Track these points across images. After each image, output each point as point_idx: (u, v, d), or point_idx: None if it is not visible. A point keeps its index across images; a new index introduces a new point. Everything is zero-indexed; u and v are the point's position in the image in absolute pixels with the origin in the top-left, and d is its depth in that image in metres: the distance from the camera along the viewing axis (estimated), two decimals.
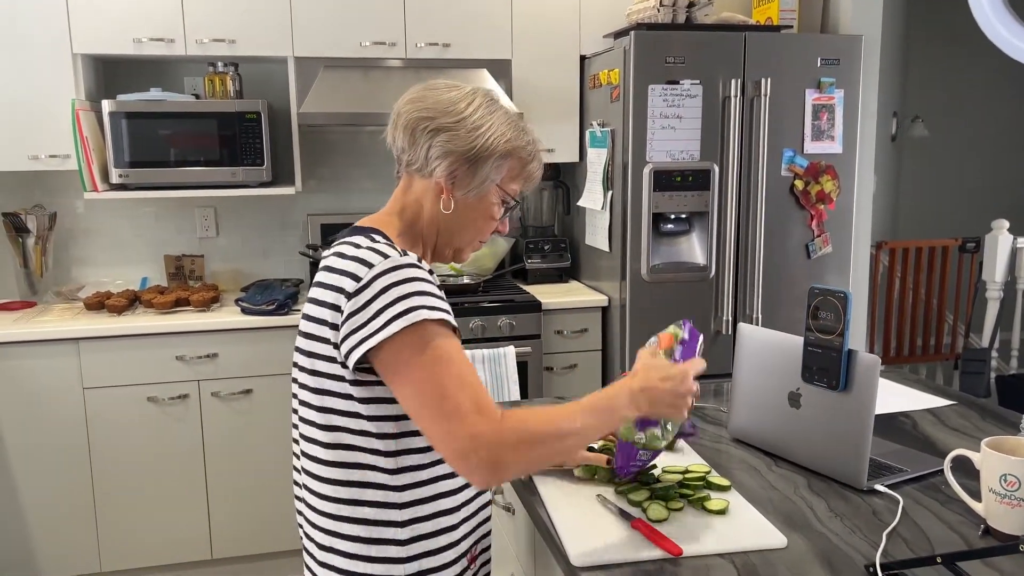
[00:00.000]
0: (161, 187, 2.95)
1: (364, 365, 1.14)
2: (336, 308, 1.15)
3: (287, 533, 3.00)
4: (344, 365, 1.14)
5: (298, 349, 1.23)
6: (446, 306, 1.16)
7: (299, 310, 2.94)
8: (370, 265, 1.13)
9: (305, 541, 1.28)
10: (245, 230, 3.42)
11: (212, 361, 2.84)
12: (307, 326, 1.20)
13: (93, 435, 2.79)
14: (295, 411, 1.25)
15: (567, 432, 1.12)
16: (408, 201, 1.28)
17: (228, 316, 2.87)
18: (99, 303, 2.93)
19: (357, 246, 1.19)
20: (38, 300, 3.15)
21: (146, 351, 2.78)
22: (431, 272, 1.19)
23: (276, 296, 2.92)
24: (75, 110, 2.81)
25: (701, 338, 1.36)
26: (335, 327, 1.14)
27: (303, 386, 1.21)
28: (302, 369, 1.21)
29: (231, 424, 2.89)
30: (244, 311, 2.89)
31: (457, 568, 1.25)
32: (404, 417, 1.17)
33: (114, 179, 2.89)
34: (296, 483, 1.29)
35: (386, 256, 1.14)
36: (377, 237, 1.21)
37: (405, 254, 1.16)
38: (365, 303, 1.12)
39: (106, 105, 2.85)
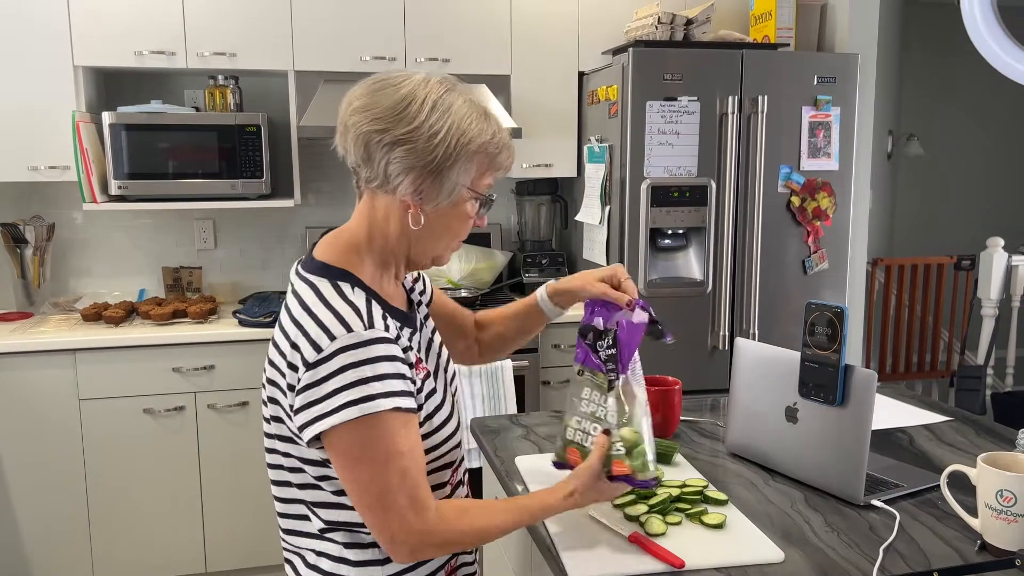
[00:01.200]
0: (160, 199, 2.96)
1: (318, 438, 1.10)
2: (293, 368, 1.09)
3: (281, 548, 2.99)
4: (300, 432, 1.10)
5: (264, 371, 1.19)
6: (404, 385, 1.09)
7: None
8: (332, 336, 1.06)
9: (288, 541, 1.26)
10: (243, 242, 3.43)
11: (209, 373, 2.84)
12: (272, 354, 1.15)
13: (88, 446, 2.78)
14: (265, 431, 1.22)
15: (491, 532, 1.15)
16: (376, 219, 1.17)
17: (225, 328, 2.87)
18: (96, 314, 2.92)
19: (323, 299, 1.11)
20: (35, 311, 3.14)
21: (143, 363, 2.78)
22: (397, 338, 1.12)
23: (274, 308, 2.92)
24: (75, 121, 2.82)
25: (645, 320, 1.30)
26: (292, 387, 1.10)
27: (265, 407, 1.19)
28: (264, 388, 1.18)
29: (227, 436, 2.88)
30: (241, 323, 2.89)
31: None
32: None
33: (113, 191, 2.89)
34: (277, 508, 1.27)
35: (350, 329, 1.07)
36: (344, 286, 1.13)
37: (371, 324, 1.09)
38: (321, 379, 1.06)
39: (106, 117, 2.86)
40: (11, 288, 3.19)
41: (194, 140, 2.94)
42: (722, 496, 1.39)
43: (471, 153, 1.13)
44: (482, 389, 2.73)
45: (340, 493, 1.15)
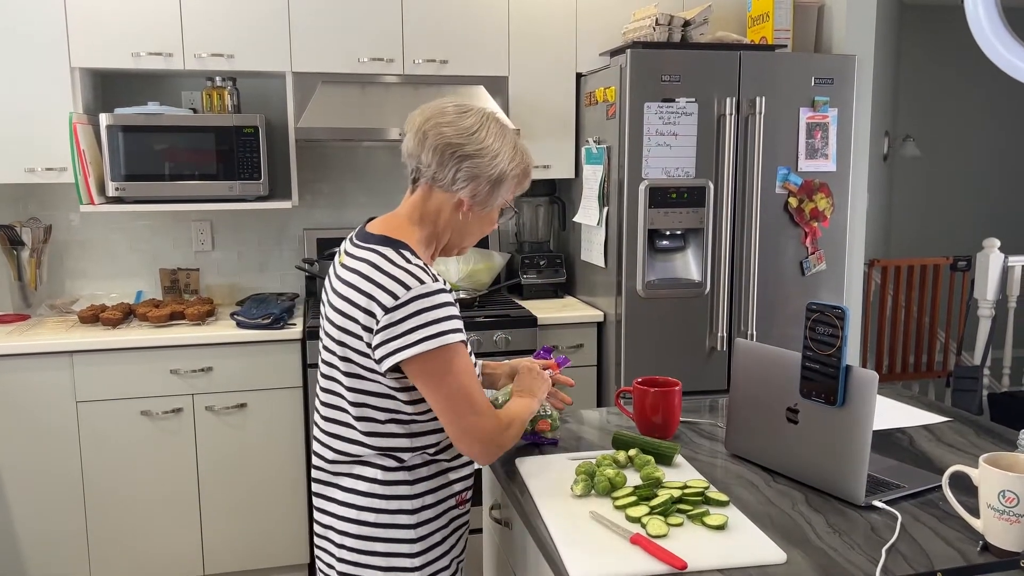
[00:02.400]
0: (157, 201, 2.95)
1: (396, 370, 1.39)
2: (370, 314, 1.37)
3: (280, 548, 2.98)
4: (378, 364, 1.38)
5: (327, 334, 1.44)
6: (462, 325, 1.41)
7: (294, 324, 2.94)
8: (407, 287, 1.36)
9: (325, 502, 1.50)
10: (241, 244, 3.42)
11: (207, 375, 2.83)
12: (337, 318, 1.42)
13: (86, 448, 2.77)
14: (322, 387, 1.49)
15: (523, 417, 1.51)
16: (427, 210, 1.48)
17: (223, 330, 2.86)
18: (93, 316, 2.92)
19: (391, 261, 1.39)
20: (32, 313, 3.13)
21: (140, 364, 2.77)
22: (450, 291, 1.41)
23: (272, 310, 2.92)
24: (72, 123, 2.82)
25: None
26: (368, 329, 1.37)
27: (332, 366, 1.45)
28: (332, 352, 1.44)
29: (225, 438, 2.88)
30: (239, 325, 2.89)
31: (448, 504, 1.52)
32: (420, 401, 1.44)
33: (110, 192, 2.89)
34: (327, 455, 1.50)
35: (422, 281, 1.36)
36: (407, 253, 1.41)
37: (436, 278, 1.39)
38: (400, 319, 1.35)
39: (103, 119, 2.85)
40: (8, 290, 3.18)
41: (191, 142, 2.93)
42: (723, 497, 1.39)
43: (515, 175, 1.48)
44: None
45: (390, 422, 1.44)
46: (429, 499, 1.48)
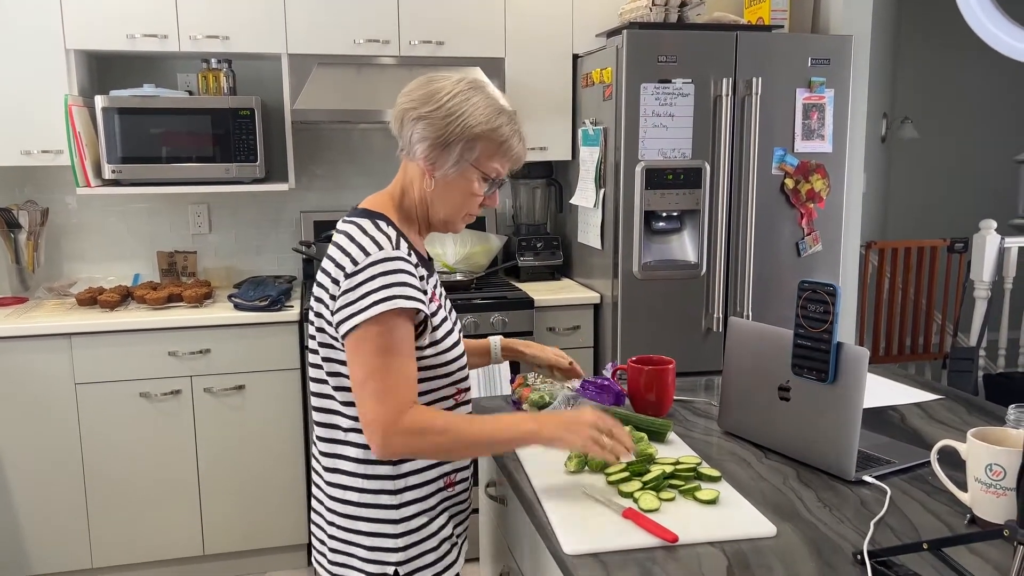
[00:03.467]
0: (154, 183, 2.95)
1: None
2: (336, 282, 1.34)
3: (280, 528, 3.01)
4: (337, 329, 1.34)
5: (311, 323, 1.42)
6: (421, 296, 1.34)
7: (292, 306, 2.95)
8: (367, 253, 1.33)
9: (318, 477, 1.49)
10: (238, 226, 3.42)
11: (205, 357, 2.84)
12: (316, 291, 1.40)
13: (85, 430, 2.79)
14: (312, 376, 1.46)
15: (484, 437, 1.34)
16: (405, 182, 1.46)
17: (221, 312, 2.87)
18: (91, 299, 2.92)
19: (363, 231, 1.37)
20: (30, 296, 3.14)
21: (138, 347, 2.79)
22: (417, 265, 1.38)
23: (269, 292, 2.92)
24: (68, 106, 2.81)
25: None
26: (333, 298, 1.34)
27: (315, 353, 1.42)
28: (313, 339, 1.41)
29: (223, 420, 2.89)
30: (237, 307, 2.89)
31: (435, 487, 1.46)
32: None
33: (107, 175, 2.89)
34: (316, 431, 1.48)
35: (380, 247, 1.33)
36: (382, 223, 1.39)
37: (398, 246, 1.35)
38: (356, 285, 1.31)
39: (99, 101, 2.85)
40: (5, 273, 3.19)
41: (188, 124, 2.93)
42: (715, 473, 1.41)
43: (475, 135, 1.39)
44: (477, 371, 2.74)
45: None
46: (413, 479, 1.42)
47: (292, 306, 2.95)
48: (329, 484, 1.45)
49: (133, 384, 2.80)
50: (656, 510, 1.29)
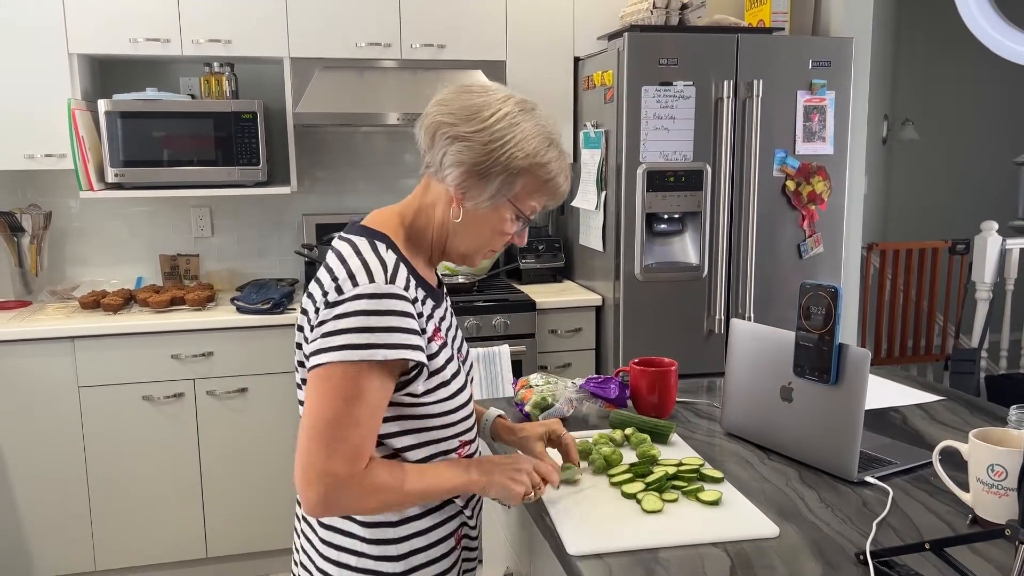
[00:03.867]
0: (156, 187, 2.96)
1: None
2: (318, 311, 1.17)
3: (282, 531, 3.01)
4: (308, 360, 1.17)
5: (297, 344, 1.26)
6: (413, 340, 1.15)
7: (294, 309, 2.96)
8: (355, 284, 1.14)
9: (302, 525, 1.30)
10: (240, 230, 3.43)
11: (207, 360, 2.85)
12: (301, 318, 1.24)
13: (88, 433, 2.80)
14: (300, 400, 1.28)
15: (419, 490, 1.18)
16: (424, 203, 1.26)
17: (223, 315, 2.88)
18: (94, 302, 2.93)
19: (357, 251, 1.18)
20: (33, 299, 3.15)
21: (141, 350, 2.79)
22: (415, 301, 1.18)
23: (271, 295, 2.93)
24: (71, 109, 2.82)
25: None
26: (313, 327, 1.17)
27: (298, 372, 1.26)
28: (300, 350, 1.24)
29: (226, 423, 2.90)
30: (239, 310, 2.90)
31: (445, 547, 1.28)
32: (389, 418, 1.20)
33: (110, 178, 2.90)
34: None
35: (372, 280, 1.14)
36: (380, 245, 1.20)
37: (393, 280, 1.15)
38: (334, 317, 1.13)
39: (102, 105, 2.86)
40: (9, 277, 3.20)
41: (190, 127, 2.94)
42: (718, 474, 1.41)
43: (518, 169, 1.20)
44: (480, 373, 2.75)
45: (392, 418, 1.21)
46: (419, 542, 1.24)
47: (294, 309, 2.96)
48: (323, 542, 1.25)
49: (136, 387, 2.81)
50: (659, 511, 1.29)
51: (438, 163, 1.21)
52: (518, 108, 1.21)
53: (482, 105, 1.20)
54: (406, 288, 1.16)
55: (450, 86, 1.26)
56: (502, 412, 1.50)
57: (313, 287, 1.21)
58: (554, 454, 1.46)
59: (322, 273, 1.20)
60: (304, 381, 1.23)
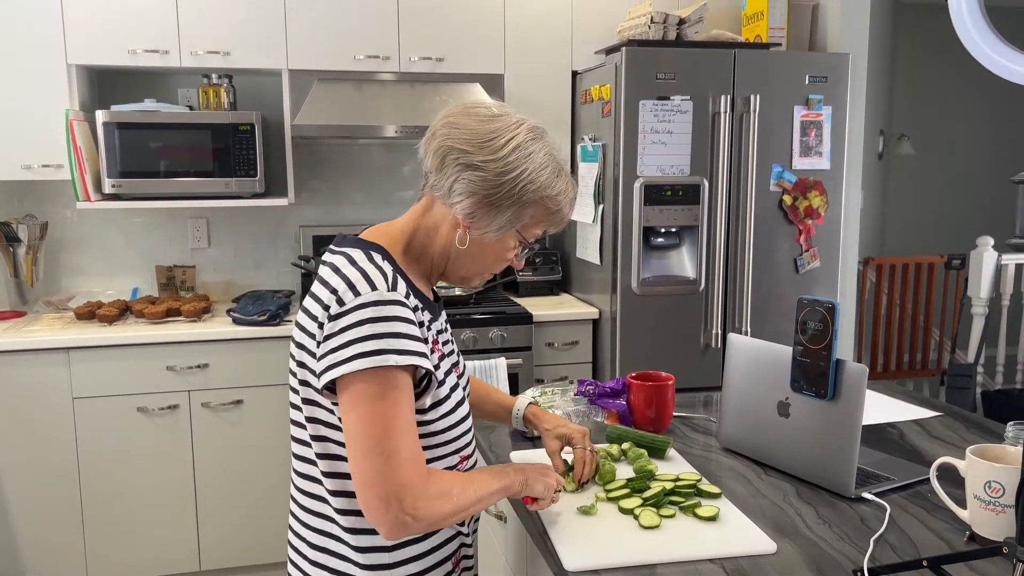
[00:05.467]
0: (154, 197, 2.96)
1: (332, 388, 1.15)
2: (321, 325, 1.14)
3: (276, 544, 2.99)
4: (318, 379, 1.15)
5: (291, 356, 1.24)
6: (420, 347, 1.14)
7: (291, 321, 2.95)
8: (357, 292, 1.12)
9: (296, 540, 1.29)
10: (237, 241, 3.43)
11: (203, 371, 2.84)
12: (299, 336, 1.21)
13: (82, 444, 2.78)
14: (292, 420, 1.27)
15: (475, 497, 1.17)
16: (426, 223, 1.25)
17: (219, 326, 2.87)
18: (90, 313, 2.92)
19: (353, 262, 1.17)
20: (28, 310, 3.14)
21: (136, 361, 2.78)
22: (415, 310, 1.17)
23: (268, 307, 2.93)
24: (69, 120, 2.82)
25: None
26: (319, 343, 1.15)
27: (295, 392, 1.23)
28: (294, 375, 1.22)
29: (221, 434, 2.88)
30: (235, 321, 2.89)
31: (442, 571, 1.27)
32: None
33: (107, 189, 2.89)
34: (294, 484, 1.29)
35: (374, 287, 1.13)
36: (376, 256, 1.19)
37: (395, 287, 1.14)
38: (341, 329, 1.11)
39: (100, 115, 2.86)
40: (4, 287, 3.19)
41: (188, 139, 2.94)
42: (715, 489, 1.40)
43: (530, 201, 1.20)
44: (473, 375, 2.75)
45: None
46: (415, 567, 1.22)
47: (291, 320, 2.95)
48: (314, 564, 1.24)
49: (131, 399, 2.80)
50: (657, 527, 1.29)
51: (447, 188, 1.20)
52: (530, 136, 1.20)
53: (495, 132, 1.18)
54: (406, 296, 1.15)
55: (455, 103, 1.26)
56: (535, 400, 1.54)
57: (309, 302, 1.20)
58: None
59: (318, 287, 1.19)
60: (297, 424, 1.23)
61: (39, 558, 2.81)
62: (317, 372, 1.14)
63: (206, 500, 2.91)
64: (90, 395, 2.77)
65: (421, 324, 1.18)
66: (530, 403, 1.54)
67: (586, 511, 1.34)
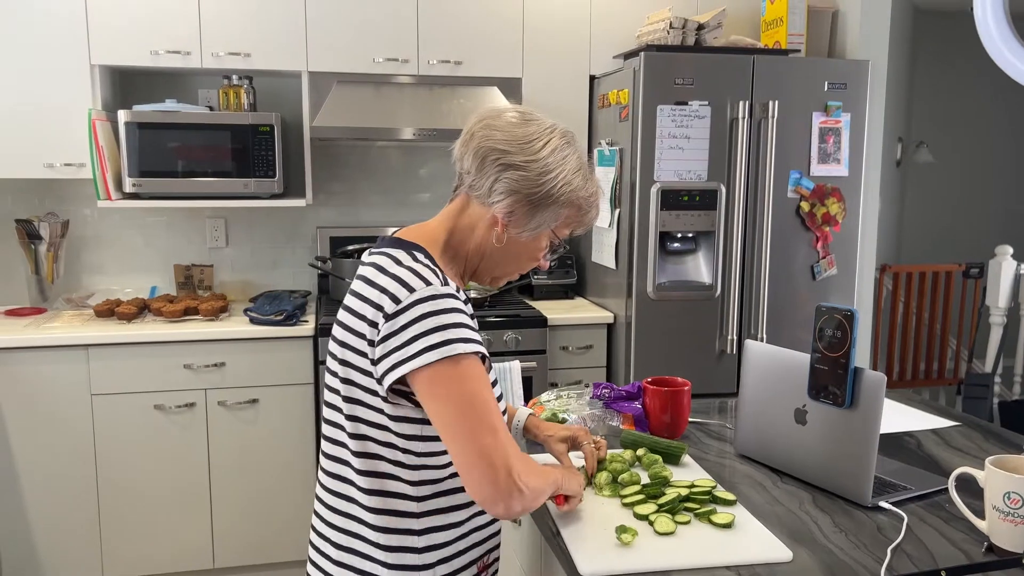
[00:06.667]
0: (173, 197, 2.98)
1: (398, 387, 1.17)
2: (374, 325, 1.16)
3: (290, 543, 3.01)
4: (379, 382, 1.17)
5: (332, 355, 1.25)
6: (479, 337, 1.18)
7: (307, 321, 2.97)
8: (411, 289, 1.15)
9: (319, 540, 1.30)
10: (255, 241, 3.45)
11: (219, 370, 2.86)
12: (342, 334, 1.22)
13: (100, 441, 2.81)
14: (325, 418, 1.28)
15: (547, 487, 1.22)
16: (461, 223, 1.28)
17: (236, 326, 2.89)
18: (109, 310, 2.95)
19: (399, 262, 1.20)
20: (48, 307, 3.17)
21: (154, 359, 2.81)
22: (467, 302, 1.22)
23: (284, 307, 2.94)
24: (91, 120, 2.85)
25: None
26: (372, 343, 1.17)
27: (334, 391, 1.24)
28: (334, 375, 1.24)
29: (237, 433, 2.90)
30: (252, 321, 2.91)
31: (469, 574, 1.28)
32: (432, 437, 1.22)
33: (127, 188, 2.92)
34: (320, 483, 1.30)
35: (428, 283, 1.15)
36: (419, 255, 1.22)
37: (446, 282, 1.18)
38: (402, 327, 1.14)
39: (122, 115, 2.89)
40: (25, 284, 3.22)
41: (208, 139, 2.96)
42: (731, 496, 1.40)
43: (566, 201, 1.25)
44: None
45: (399, 465, 1.21)
46: (443, 569, 1.25)
47: (307, 321, 2.97)
48: (338, 565, 1.26)
49: (148, 396, 2.82)
50: (672, 533, 1.29)
51: (487, 188, 1.23)
52: (564, 140, 1.25)
53: (533, 135, 1.23)
54: (457, 291, 1.19)
55: (484, 108, 1.29)
56: (533, 411, 1.58)
57: (355, 302, 1.21)
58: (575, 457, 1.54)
59: (363, 287, 1.21)
60: (334, 424, 1.25)
61: (56, 553, 2.83)
62: (377, 374, 1.16)
63: (221, 498, 2.93)
64: (108, 392, 2.79)
65: (472, 316, 1.23)
66: (530, 415, 1.57)
67: (622, 537, 1.26)
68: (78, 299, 3.16)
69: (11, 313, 3.06)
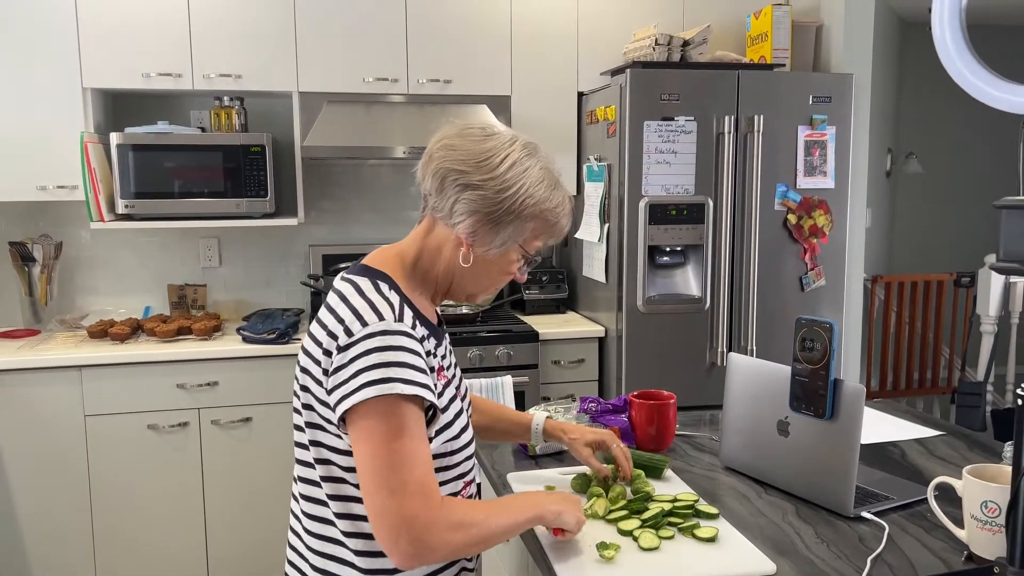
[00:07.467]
0: (166, 217, 3.00)
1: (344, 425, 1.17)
2: (328, 354, 1.16)
3: (283, 561, 3.00)
4: (333, 411, 1.16)
5: (296, 379, 1.25)
6: (425, 379, 1.15)
7: (299, 339, 2.98)
8: (364, 323, 1.14)
9: (297, 559, 1.29)
10: (248, 260, 3.47)
11: (213, 389, 2.87)
12: (304, 360, 1.22)
13: (93, 461, 2.81)
14: (295, 440, 1.28)
15: (497, 527, 1.16)
16: (429, 245, 1.28)
17: (229, 345, 2.90)
18: (102, 331, 2.96)
19: (361, 292, 1.19)
20: (42, 328, 3.19)
21: (147, 379, 2.82)
22: (422, 340, 1.18)
23: (277, 325, 2.96)
24: (84, 142, 2.88)
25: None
26: (326, 372, 1.16)
27: (298, 414, 1.24)
28: (297, 398, 1.24)
29: (230, 452, 2.91)
30: (245, 340, 2.93)
31: None
32: None
33: (120, 209, 2.94)
34: (296, 506, 1.30)
35: (382, 317, 1.14)
36: (383, 285, 1.21)
37: (401, 318, 1.16)
38: (349, 360, 1.13)
39: (114, 138, 2.91)
40: (19, 305, 3.23)
41: (200, 160, 2.99)
42: (713, 510, 1.41)
43: (530, 215, 1.23)
44: (480, 394, 2.76)
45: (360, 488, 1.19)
46: None
47: (300, 339, 2.99)
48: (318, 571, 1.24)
49: (141, 416, 2.83)
50: (656, 548, 1.30)
51: (448, 209, 1.23)
52: (524, 152, 1.23)
53: (491, 151, 1.21)
54: (413, 327, 1.17)
55: (449, 125, 1.28)
56: (550, 414, 1.57)
57: (316, 329, 1.21)
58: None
59: (325, 315, 1.21)
60: (301, 446, 1.24)
61: (51, 573, 2.83)
62: (332, 404, 1.15)
63: (215, 517, 2.93)
64: (101, 412, 2.80)
65: (428, 353, 1.20)
66: (547, 417, 1.58)
67: (604, 553, 1.27)
68: (72, 320, 3.17)
69: (5, 335, 3.07)
